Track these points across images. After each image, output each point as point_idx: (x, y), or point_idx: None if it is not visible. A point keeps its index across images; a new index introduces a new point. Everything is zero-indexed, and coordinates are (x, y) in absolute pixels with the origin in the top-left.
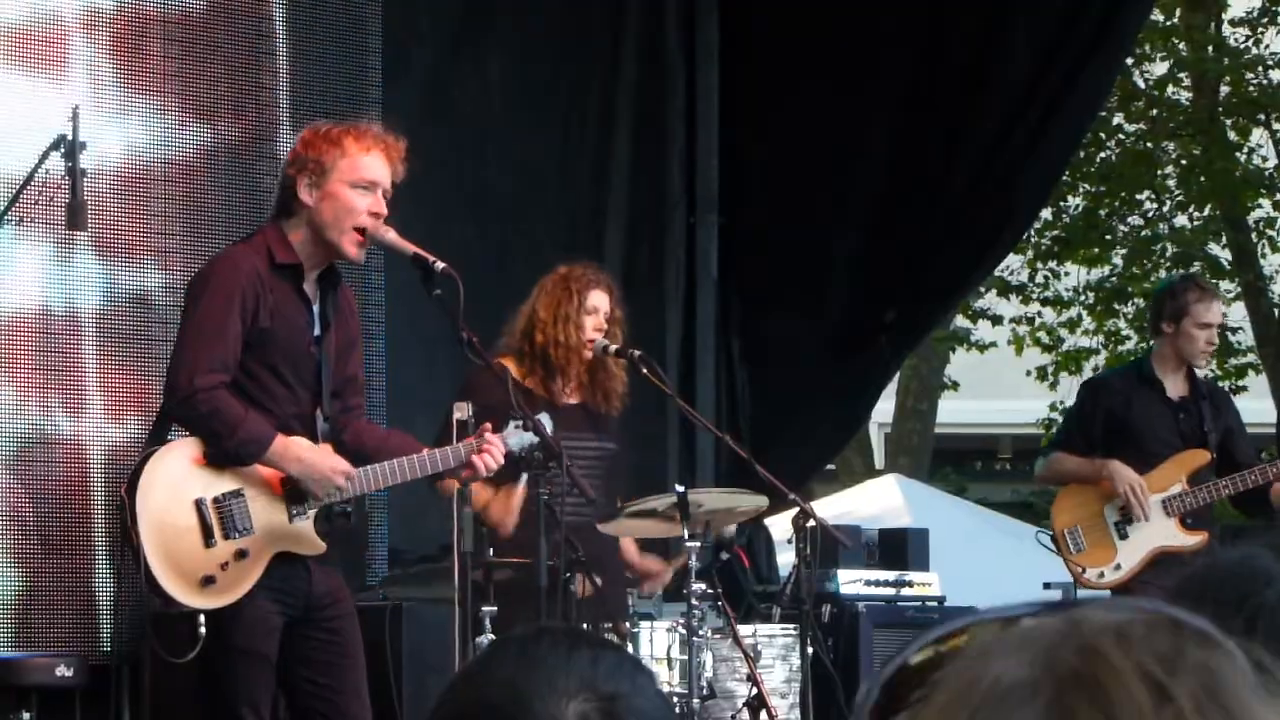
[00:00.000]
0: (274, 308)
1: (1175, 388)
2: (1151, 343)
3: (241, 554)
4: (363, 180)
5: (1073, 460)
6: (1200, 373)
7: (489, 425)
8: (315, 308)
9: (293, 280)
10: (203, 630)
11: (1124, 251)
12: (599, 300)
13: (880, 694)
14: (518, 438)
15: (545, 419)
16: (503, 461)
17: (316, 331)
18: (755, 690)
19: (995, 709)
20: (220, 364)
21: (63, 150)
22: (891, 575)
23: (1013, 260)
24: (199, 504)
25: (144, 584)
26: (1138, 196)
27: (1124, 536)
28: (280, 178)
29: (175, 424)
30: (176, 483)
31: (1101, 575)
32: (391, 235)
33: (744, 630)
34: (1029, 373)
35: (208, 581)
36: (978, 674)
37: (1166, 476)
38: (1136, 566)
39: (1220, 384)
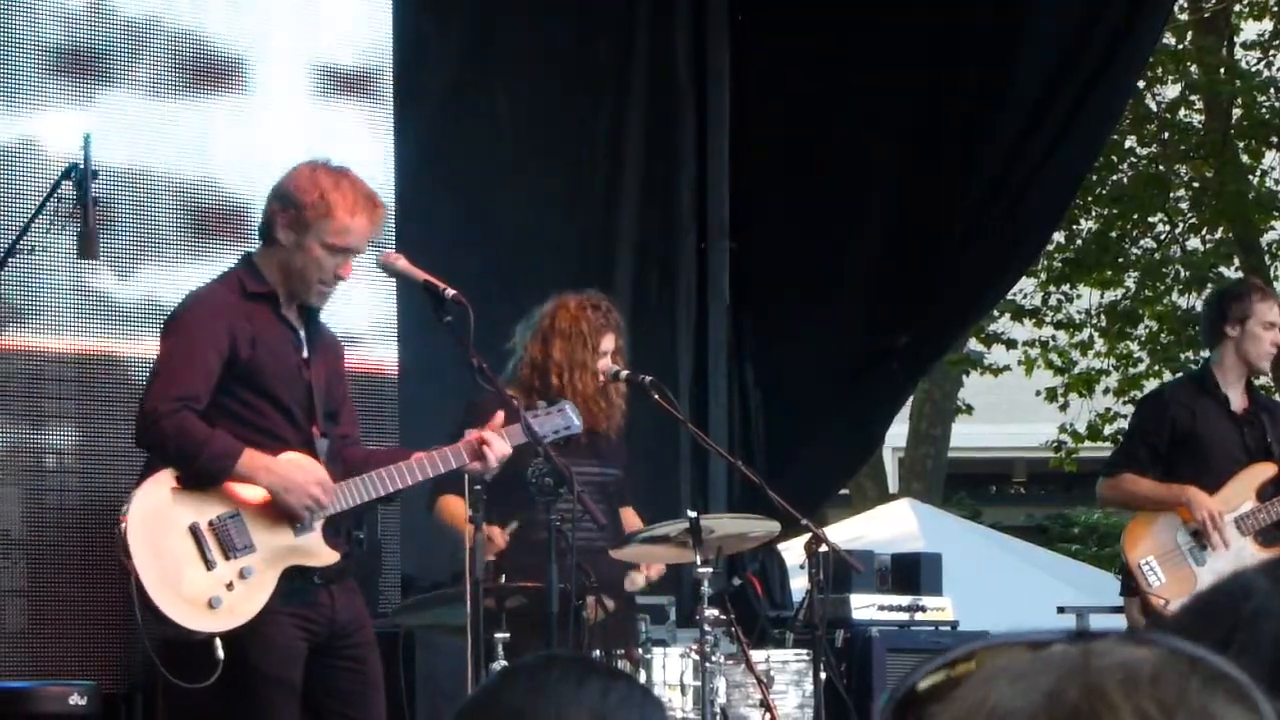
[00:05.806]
0: (255, 336)
1: (1238, 400)
2: (1208, 354)
3: (246, 572)
4: (339, 246)
5: (1145, 483)
6: (1257, 382)
7: (500, 415)
8: (301, 333)
9: (272, 307)
10: (220, 655)
11: (1136, 274)
12: (609, 343)
13: (890, 717)
14: (550, 422)
15: (569, 408)
16: (509, 450)
17: (305, 354)
18: (768, 716)
19: None
20: (187, 392)
21: (74, 178)
22: (905, 600)
23: (1025, 284)
24: (194, 529)
25: (150, 616)
26: (1150, 219)
27: (1201, 563)
28: (266, 204)
29: (152, 455)
30: (164, 511)
31: None
32: (402, 263)
33: (757, 656)
34: (1039, 393)
35: (215, 603)
36: (979, 700)
37: (1236, 494)
38: None
39: None
